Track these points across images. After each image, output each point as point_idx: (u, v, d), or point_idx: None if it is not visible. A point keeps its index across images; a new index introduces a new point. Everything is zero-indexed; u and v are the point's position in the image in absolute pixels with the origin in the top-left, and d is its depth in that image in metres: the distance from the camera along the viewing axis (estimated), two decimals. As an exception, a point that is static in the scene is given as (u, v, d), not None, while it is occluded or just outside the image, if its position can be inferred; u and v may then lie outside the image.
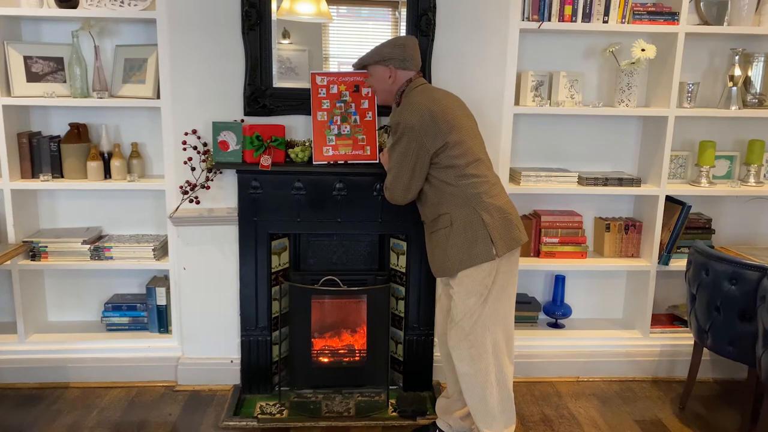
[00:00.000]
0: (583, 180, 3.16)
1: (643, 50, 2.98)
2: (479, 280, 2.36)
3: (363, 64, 2.55)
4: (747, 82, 3.21)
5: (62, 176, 3.04)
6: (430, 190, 2.41)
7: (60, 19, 2.97)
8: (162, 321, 3.21)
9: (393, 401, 2.99)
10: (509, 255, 2.39)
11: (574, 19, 2.97)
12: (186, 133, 2.88)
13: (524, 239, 2.42)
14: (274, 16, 2.84)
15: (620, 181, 3.16)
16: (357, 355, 3.10)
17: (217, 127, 2.81)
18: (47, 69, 2.99)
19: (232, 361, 3.11)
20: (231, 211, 2.95)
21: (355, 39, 3.07)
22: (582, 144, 3.32)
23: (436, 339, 2.86)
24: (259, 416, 2.87)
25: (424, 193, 2.44)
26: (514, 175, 3.17)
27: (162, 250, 3.14)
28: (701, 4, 3.13)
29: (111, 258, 3.07)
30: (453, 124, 2.35)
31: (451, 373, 2.64)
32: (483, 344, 2.40)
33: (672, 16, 3.01)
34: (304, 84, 2.89)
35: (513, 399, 2.50)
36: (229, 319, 3.07)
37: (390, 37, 2.97)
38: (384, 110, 2.86)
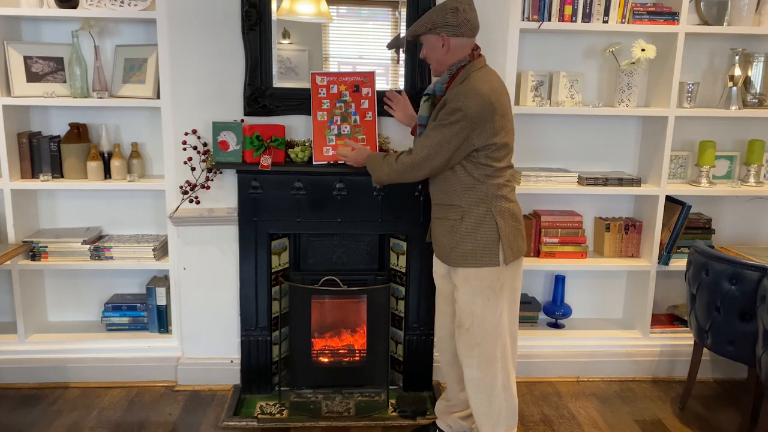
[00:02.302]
0: (583, 180, 3.16)
1: (643, 50, 2.98)
2: (487, 283, 2.31)
3: (414, 35, 2.35)
4: (747, 82, 3.21)
5: (62, 176, 3.04)
6: (452, 176, 2.31)
7: (60, 19, 2.97)
8: (162, 321, 3.21)
9: (393, 401, 2.99)
10: (516, 261, 2.36)
11: (574, 19, 2.97)
12: (186, 133, 2.88)
13: (524, 250, 2.39)
14: (274, 16, 2.84)
15: (620, 181, 3.16)
16: (357, 355, 3.10)
17: (217, 127, 2.81)
18: (47, 69, 2.99)
19: (232, 361, 3.11)
20: (231, 211, 2.95)
21: (355, 39, 3.07)
22: (582, 144, 3.32)
23: (436, 340, 2.83)
24: (259, 416, 2.87)
25: (443, 175, 2.33)
26: (515, 175, 3.17)
27: (162, 250, 3.14)
28: (701, 4, 3.13)
29: (111, 258, 3.07)
30: (505, 127, 2.27)
31: (452, 377, 2.62)
32: (493, 350, 2.36)
33: (672, 16, 3.01)
34: (304, 84, 2.89)
35: (517, 403, 2.48)
36: (229, 319, 3.07)
37: (390, 37, 2.99)
38: (383, 111, 2.86)
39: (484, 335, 2.35)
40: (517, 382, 2.52)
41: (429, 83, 2.89)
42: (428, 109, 2.39)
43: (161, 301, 3.18)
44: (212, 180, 2.92)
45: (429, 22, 2.28)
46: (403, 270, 3.02)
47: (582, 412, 2.99)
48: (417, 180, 2.37)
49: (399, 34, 2.93)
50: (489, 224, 2.29)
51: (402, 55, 2.93)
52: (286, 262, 3.08)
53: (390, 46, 2.98)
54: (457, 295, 2.39)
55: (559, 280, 3.37)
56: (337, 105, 2.83)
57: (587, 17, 2.97)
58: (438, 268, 2.54)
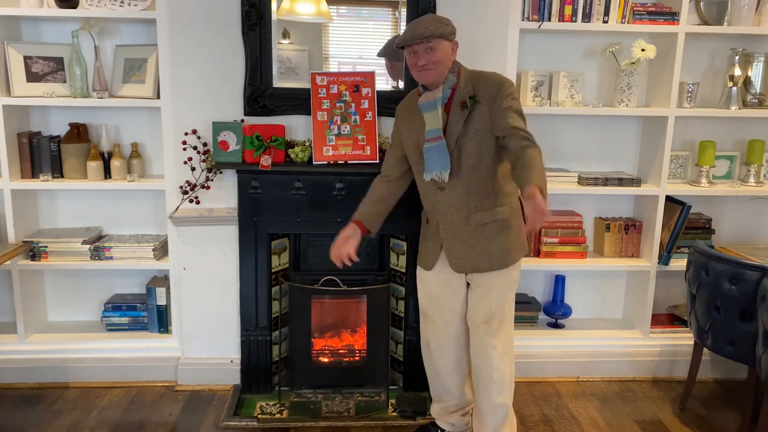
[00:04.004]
0: (583, 180, 3.16)
1: (643, 50, 2.98)
2: (518, 270, 2.41)
3: (441, 36, 2.24)
4: (747, 82, 3.21)
5: (62, 176, 3.04)
6: (495, 174, 2.29)
7: (60, 19, 2.97)
8: (162, 321, 3.21)
9: (393, 401, 2.99)
10: None
11: (574, 19, 2.97)
12: (186, 133, 2.88)
13: None
14: (274, 16, 2.84)
15: (620, 181, 3.16)
16: (357, 355, 3.10)
17: (217, 127, 2.81)
18: (47, 69, 3.00)
19: (232, 361, 3.11)
20: (231, 211, 2.95)
21: (355, 39, 3.08)
22: (582, 144, 3.32)
23: (433, 351, 2.61)
24: (259, 416, 2.87)
25: (493, 178, 2.29)
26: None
27: (162, 250, 3.14)
28: (701, 4, 3.13)
29: (111, 258, 3.07)
30: None
31: (453, 382, 2.59)
32: (512, 323, 2.48)
33: (672, 16, 3.01)
34: (304, 84, 2.89)
35: None
36: (229, 319, 3.07)
37: (390, 37, 2.99)
38: (383, 111, 2.86)
39: (510, 310, 2.45)
40: (517, 382, 2.55)
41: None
42: (436, 120, 2.28)
43: (161, 301, 3.18)
44: (212, 180, 2.92)
45: (448, 29, 2.26)
46: (403, 270, 3.02)
47: (582, 412, 2.99)
48: None
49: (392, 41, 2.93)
50: (520, 214, 2.34)
51: (399, 62, 2.92)
52: (286, 262, 3.08)
53: (381, 54, 2.99)
54: (489, 292, 2.38)
55: (559, 280, 3.37)
56: (337, 105, 2.83)
57: (587, 17, 2.97)
58: (450, 278, 2.44)
